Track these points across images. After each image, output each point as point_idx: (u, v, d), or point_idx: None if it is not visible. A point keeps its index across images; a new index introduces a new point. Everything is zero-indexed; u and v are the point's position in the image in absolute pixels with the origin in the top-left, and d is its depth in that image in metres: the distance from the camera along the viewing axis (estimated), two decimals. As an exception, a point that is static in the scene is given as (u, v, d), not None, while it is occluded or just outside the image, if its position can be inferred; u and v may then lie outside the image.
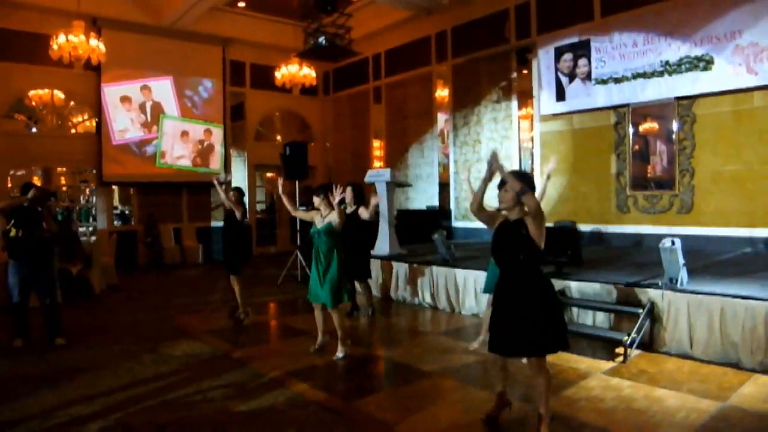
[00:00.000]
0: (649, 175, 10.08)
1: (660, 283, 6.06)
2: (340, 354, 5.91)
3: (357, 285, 8.33)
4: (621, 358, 5.58)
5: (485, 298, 7.71)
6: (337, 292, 5.85)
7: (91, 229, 14.56)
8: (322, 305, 6.02)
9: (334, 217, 5.82)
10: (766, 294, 5.45)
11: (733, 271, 6.96)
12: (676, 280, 5.98)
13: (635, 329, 5.77)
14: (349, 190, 7.51)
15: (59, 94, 13.63)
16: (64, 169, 15.91)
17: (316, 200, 6.00)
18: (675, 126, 9.63)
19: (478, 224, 12.84)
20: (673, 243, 5.98)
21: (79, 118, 14.47)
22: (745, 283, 6.04)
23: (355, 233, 7.45)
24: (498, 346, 3.94)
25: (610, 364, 5.49)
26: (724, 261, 7.90)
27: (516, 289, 3.84)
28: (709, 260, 7.84)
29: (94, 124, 13.92)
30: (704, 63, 9.14)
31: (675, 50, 9.46)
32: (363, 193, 7.80)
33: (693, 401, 4.56)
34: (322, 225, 5.92)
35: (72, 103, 14.04)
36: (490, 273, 5.86)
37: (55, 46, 10.46)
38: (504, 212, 3.99)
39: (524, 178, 3.88)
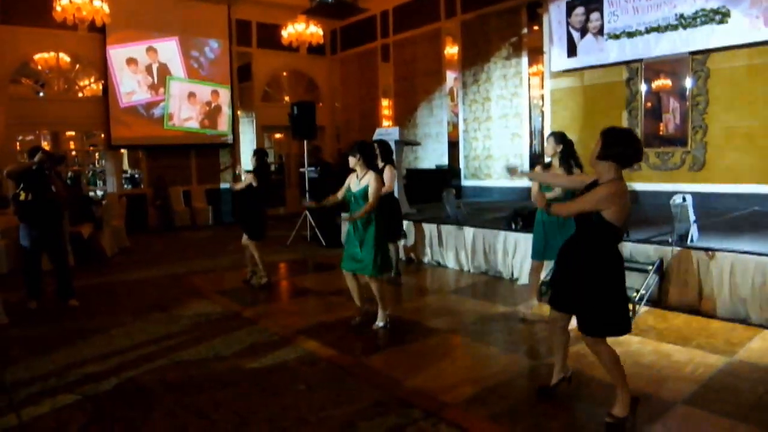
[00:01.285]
0: (661, 132, 9.96)
1: (670, 240, 6.03)
2: (380, 323, 5.58)
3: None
4: (630, 314, 5.58)
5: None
6: (380, 260, 5.40)
7: (100, 192, 14.65)
8: (354, 273, 5.63)
9: (371, 183, 5.34)
10: (777, 250, 5.43)
11: (743, 227, 6.92)
12: (687, 237, 5.95)
13: (644, 285, 5.77)
14: (375, 147, 7.33)
15: (65, 58, 13.56)
16: (73, 133, 15.94)
17: (352, 160, 5.43)
18: (688, 81, 9.46)
19: (488, 183, 12.87)
20: (684, 199, 5.95)
21: (86, 82, 14.42)
22: (755, 240, 6.01)
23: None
24: (559, 304, 3.71)
25: (618, 321, 5.48)
26: (735, 218, 7.85)
27: (581, 255, 3.50)
28: (720, 217, 7.79)
29: (100, 87, 13.87)
30: (720, 16, 8.91)
31: (690, 3, 9.22)
32: (390, 151, 7.54)
33: (701, 356, 4.58)
34: (359, 189, 5.41)
35: (78, 66, 13.97)
36: (538, 238, 5.67)
37: (58, 8, 10.33)
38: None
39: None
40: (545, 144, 5.51)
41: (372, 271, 5.41)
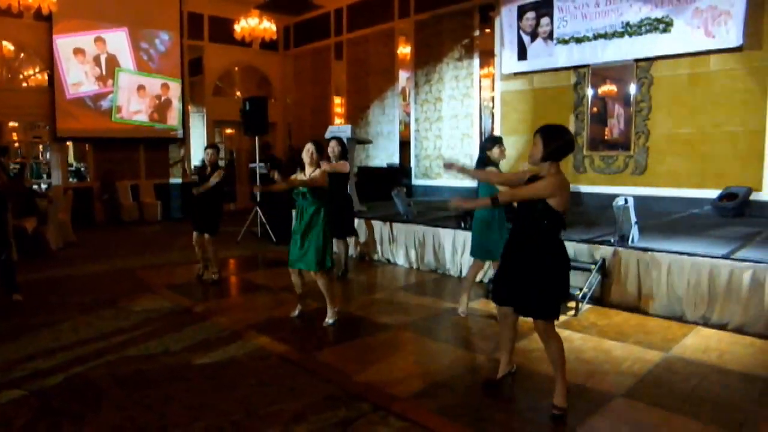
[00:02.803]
0: (606, 136, 10.28)
1: (612, 240, 6.26)
2: (330, 320, 5.64)
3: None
4: (572, 312, 5.79)
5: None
6: (322, 255, 5.48)
7: (44, 186, 14.24)
8: (299, 270, 5.68)
9: (315, 175, 5.46)
10: (710, 251, 5.71)
11: (681, 229, 7.22)
12: (628, 238, 6.18)
13: (587, 284, 5.98)
14: (334, 143, 7.36)
15: (8, 46, 13.19)
16: (16, 124, 15.45)
17: (306, 157, 5.54)
18: (633, 88, 9.79)
19: (438, 182, 13.01)
20: (626, 201, 6.17)
21: (31, 71, 14.00)
22: (692, 241, 6.29)
23: (337, 190, 7.17)
24: (506, 300, 3.83)
25: (562, 318, 5.60)
26: (674, 220, 8.18)
27: (531, 247, 3.63)
28: (660, 219, 8.11)
29: (46, 77, 13.49)
30: (664, 25, 9.25)
31: (636, 11, 9.54)
32: (345, 148, 7.59)
33: (639, 352, 4.79)
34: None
35: (22, 55, 13.59)
36: (481, 237, 5.65)
37: (2, -6, 10.01)
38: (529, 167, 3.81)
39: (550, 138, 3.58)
40: (501, 150, 5.53)
41: (314, 267, 5.48)
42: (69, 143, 14.98)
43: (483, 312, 5.96)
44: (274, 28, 13.31)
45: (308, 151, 5.56)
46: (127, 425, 3.59)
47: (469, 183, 11.62)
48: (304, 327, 5.67)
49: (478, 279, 6.93)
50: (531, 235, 3.67)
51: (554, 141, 3.57)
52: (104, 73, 13.78)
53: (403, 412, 3.71)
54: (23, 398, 3.97)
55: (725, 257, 5.50)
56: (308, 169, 5.59)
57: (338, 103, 15.91)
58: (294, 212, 5.74)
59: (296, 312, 5.94)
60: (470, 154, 12.18)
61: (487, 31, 12.11)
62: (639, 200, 6.99)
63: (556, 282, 3.64)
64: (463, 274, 7.53)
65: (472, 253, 5.89)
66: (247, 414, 3.71)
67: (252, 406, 3.82)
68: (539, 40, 10.88)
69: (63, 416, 3.72)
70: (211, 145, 7.81)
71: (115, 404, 3.88)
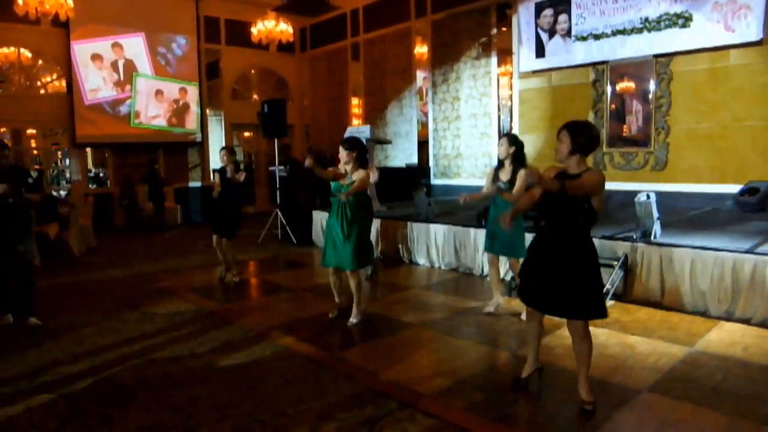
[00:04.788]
0: (624, 133, 10.20)
1: (634, 236, 6.23)
2: (354, 320, 5.65)
3: None
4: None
5: (469, 254, 7.86)
6: (361, 253, 5.53)
7: (63, 192, 14.39)
8: (336, 269, 5.72)
9: (360, 176, 5.42)
10: (733, 246, 5.67)
11: (703, 224, 7.16)
12: (650, 233, 6.15)
13: (610, 280, 5.94)
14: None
15: (26, 53, 13.30)
16: (34, 131, 15.62)
17: (345, 155, 5.51)
18: (652, 84, 9.71)
19: (457, 181, 12.95)
20: (648, 197, 6.14)
21: (48, 78, 14.16)
22: (714, 236, 6.23)
23: None
24: (538, 302, 3.80)
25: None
26: (695, 216, 8.10)
27: (565, 248, 3.60)
28: (681, 215, 8.04)
29: (64, 83, 13.63)
30: (683, 20, 9.17)
31: (655, 6, 9.47)
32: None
33: (663, 347, 4.77)
34: (349, 181, 5.48)
35: (40, 61, 13.73)
36: (487, 230, 5.77)
37: (20, 1, 10.09)
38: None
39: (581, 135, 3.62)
40: (499, 145, 5.60)
41: (350, 265, 5.50)
42: (88, 149, 15.13)
43: (506, 310, 5.95)
44: (290, 30, 13.35)
45: (353, 155, 5.50)
46: (155, 426, 3.63)
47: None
48: (329, 327, 5.69)
49: (501, 276, 6.88)
50: (570, 234, 3.62)
51: (582, 136, 3.59)
52: (122, 78, 13.91)
53: (430, 409, 3.72)
54: (52, 402, 4.02)
55: (748, 252, 5.46)
56: (345, 167, 5.54)
57: (356, 104, 15.92)
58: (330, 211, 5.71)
59: (335, 313, 5.90)
60: (489, 153, 12.16)
61: (504, 29, 12.06)
62: (660, 196, 6.92)
63: (599, 279, 3.67)
64: (485, 272, 7.52)
65: (486, 248, 5.92)
66: (274, 413, 3.74)
67: (278, 406, 3.84)
68: (557, 38, 10.82)
69: (92, 419, 3.76)
70: (224, 147, 7.84)
71: (142, 406, 3.92)
